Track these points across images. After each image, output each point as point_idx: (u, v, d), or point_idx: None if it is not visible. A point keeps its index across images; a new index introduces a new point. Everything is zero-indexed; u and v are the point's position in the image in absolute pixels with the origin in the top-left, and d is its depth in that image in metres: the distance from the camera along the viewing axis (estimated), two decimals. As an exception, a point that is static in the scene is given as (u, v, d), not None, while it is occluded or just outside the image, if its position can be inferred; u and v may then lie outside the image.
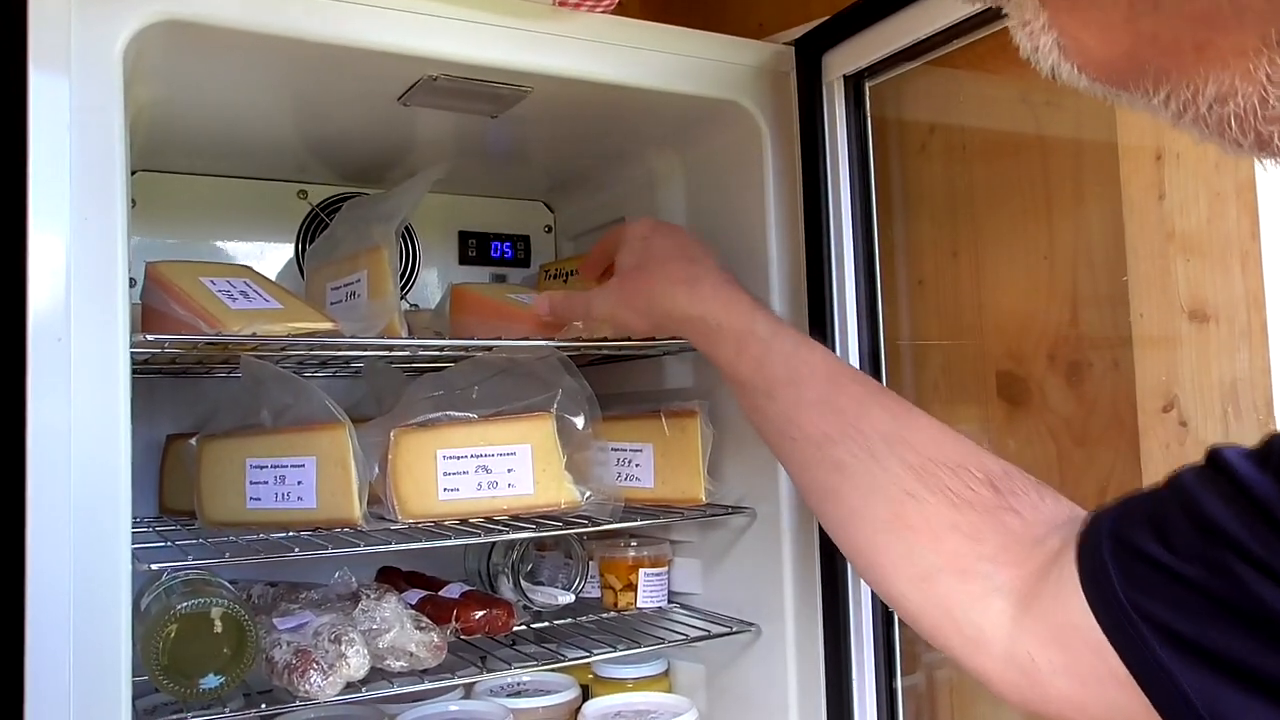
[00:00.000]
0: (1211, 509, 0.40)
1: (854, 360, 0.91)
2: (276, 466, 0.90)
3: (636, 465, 1.08)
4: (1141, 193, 0.77)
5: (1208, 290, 0.72)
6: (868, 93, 0.91)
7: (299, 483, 0.89)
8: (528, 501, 0.94)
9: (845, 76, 0.90)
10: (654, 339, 0.90)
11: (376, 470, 0.93)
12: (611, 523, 0.98)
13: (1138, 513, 0.44)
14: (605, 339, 1.00)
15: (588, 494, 0.96)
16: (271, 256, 1.22)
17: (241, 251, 1.20)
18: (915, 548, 0.54)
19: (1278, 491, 0.37)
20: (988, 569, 0.51)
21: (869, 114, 0.92)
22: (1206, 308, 0.72)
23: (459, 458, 0.94)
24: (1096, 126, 0.84)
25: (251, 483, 0.91)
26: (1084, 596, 0.45)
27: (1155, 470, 0.76)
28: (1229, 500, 0.39)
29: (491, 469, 0.94)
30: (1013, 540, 0.52)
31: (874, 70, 0.89)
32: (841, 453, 0.59)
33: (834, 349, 0.91)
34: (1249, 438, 0.41)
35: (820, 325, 0.92)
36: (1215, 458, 0.42)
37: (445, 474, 0.93)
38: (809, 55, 0.93)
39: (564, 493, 0.94)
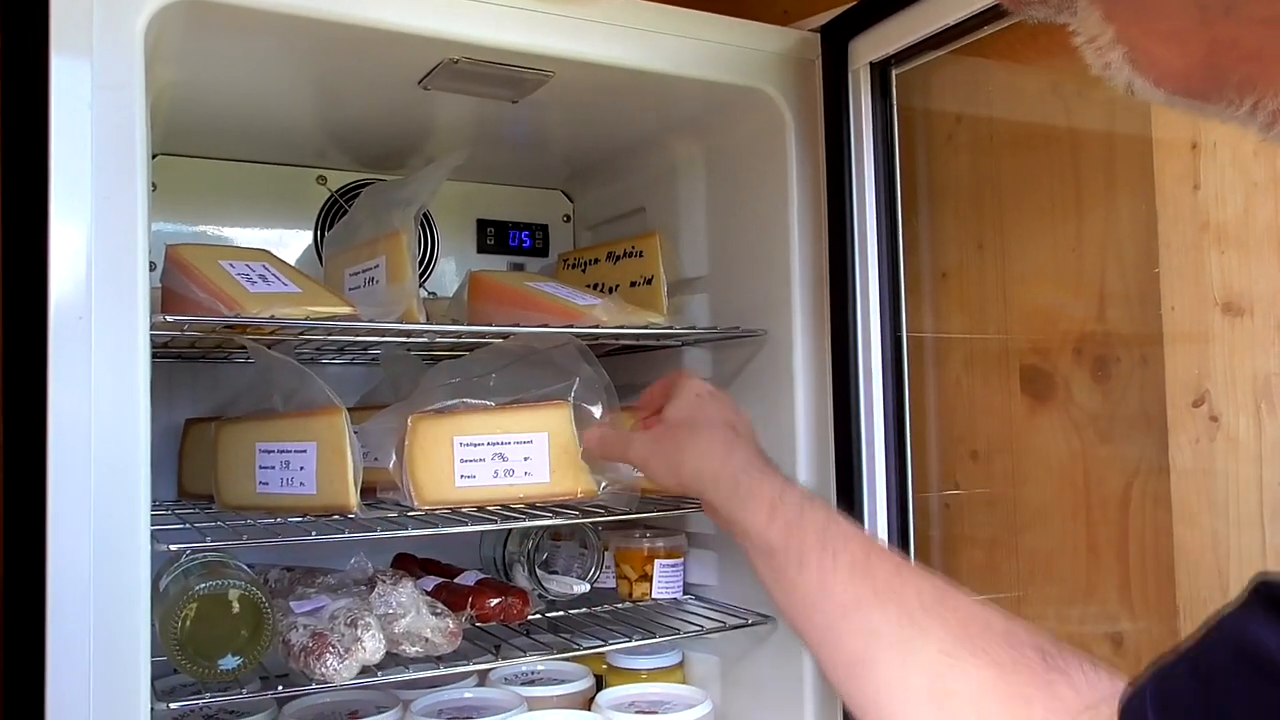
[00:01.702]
0: None
1: (875, 352, 0.90)
2: (282, 452, 0.90)
3: (653, 455, 1.08)
4: (1175, 183, 0.75)
5: (1243, 282, 0.70)
6: (894, 81, 0.90)
7: (301, 468, 0.88)
8: (544, 490, 0.94)
9: (872, 64, 0.89)
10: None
11: (394, 456, 0.93)
12: (628, 513, 0.97)
13: (1182, 672, 0.39)
14: (623, 326, 0.99)
15: (604, 484, 0.95)
16: (290, 242, 1.22)
17: (260, 237, 1.20)
18: (958, 718, 0.50)
19: None
20: None
21: (895, 102, 0.90)
22: (1241, 300, 0.71)
23: (475, 445, 0.93)
24: (1130, 118, 0.82)
25: (260, 467, 0.91)
26: None
27: (1184, 466, 0.75)
28: None
29: (508, 457, 0.94)
30: (1063, 708, 0.47)
31: (901, 57, 0.88)
32: (875, 618, 0.55)
33: (856, 341, 0.90)
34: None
35: (842, 317, 0.91)
36: (1271, 592, 0.36)
37: (462, 461, 0.93)
38: (835, 41, 0.91)
39: (580, 482, 0.94)
